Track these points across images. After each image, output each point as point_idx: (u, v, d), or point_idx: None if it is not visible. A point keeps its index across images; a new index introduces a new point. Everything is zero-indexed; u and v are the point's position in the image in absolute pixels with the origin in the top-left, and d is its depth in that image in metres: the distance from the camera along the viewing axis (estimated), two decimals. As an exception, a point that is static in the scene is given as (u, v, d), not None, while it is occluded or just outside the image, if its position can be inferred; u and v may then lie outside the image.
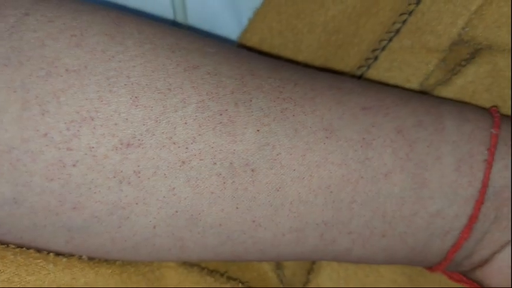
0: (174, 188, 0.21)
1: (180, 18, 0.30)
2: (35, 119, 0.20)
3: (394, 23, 0.26)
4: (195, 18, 0.30)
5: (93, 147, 0.20)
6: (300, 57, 0.28)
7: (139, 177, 0.20)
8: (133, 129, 0.20)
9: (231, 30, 0.29)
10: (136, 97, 0.20)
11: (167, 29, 0.23)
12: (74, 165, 0.20)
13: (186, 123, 0.20)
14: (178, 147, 0.20)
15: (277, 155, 0.21)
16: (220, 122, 0.21)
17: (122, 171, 0.20)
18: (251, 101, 0.21)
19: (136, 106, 0.20)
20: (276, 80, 0.22)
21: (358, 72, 0.27)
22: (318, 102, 0.22)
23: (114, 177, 0.20)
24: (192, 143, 0.20)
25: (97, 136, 0.20)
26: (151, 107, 0.20)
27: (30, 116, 0.20)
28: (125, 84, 0.20)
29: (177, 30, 0.23)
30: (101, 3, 0.29)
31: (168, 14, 0.30)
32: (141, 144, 0.20)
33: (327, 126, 0.21)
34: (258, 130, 0.21)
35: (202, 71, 0.21)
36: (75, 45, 0.20)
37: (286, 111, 0.21)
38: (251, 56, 0.23)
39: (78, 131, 0.20)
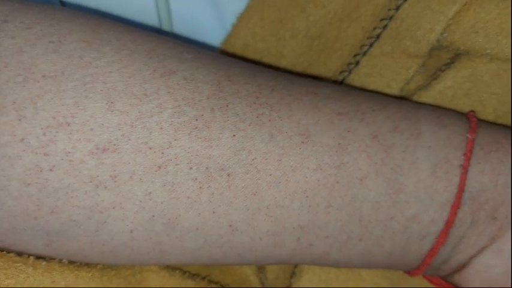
0: (150, 193, 0.21)
1: (165, 24, 0.30)
2: (12, 124, 0.20)
3: (375, 28, 0.26)
4: (179, 24, 0.30)
5: (69, 152, 0.20)
6: (283, 63, 0.28)
7: (115, 181, 0.21)
8: (109, 134, 0.20)
9: (215, 35, 0.29)
10: (112, 102, 0.20)
11: (146, 35, 0.23)
12: (50, 170, 0.20)
13: (161, 128, 0.21)
14: (154, 152, 0.21)
15: (253, 159, 0.21)
16: (196, 127, 0.21)
17: (98, 176, 0.20)
18: (227, 106, 0.21)
19: (112, 111, 0.20)
20: (253, 86, 0.22)
21: (340, 77, 0.27)
22: (294, 107, 0.22)
23: (91, 181, 0.20)
24: (167, 148, 0.21)
25: (73, 141, 0.20)
26: (127, 112, 0.20)
27: (8, 121, 0.20)
28: (101, 90, 0.20)
29: (156, 36, 0.23)
30: (85, 10, 0.29)
31: (153, 20, 0.30)
32: (117, 149, 0.20)
33: (303, 131, 0.22)
34: (233, 135, 0.21)
35: (178, 77, 0.21)
36: (52, 52, 0.21)
37: (262, 116, 0.22)
38: (229, 62, 0.23)
39: (55, 136, 0.20)
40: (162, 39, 0.23)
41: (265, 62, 0.28)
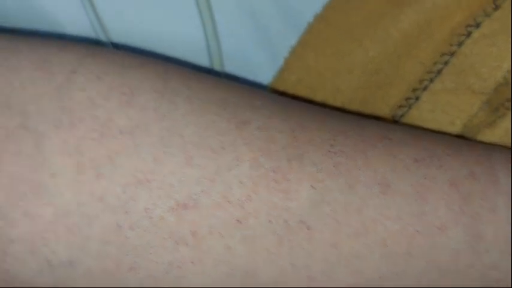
0: (229, 247, 0.20)
1: (216, 63, 0.30)
2: (91, 183, 0.20)
3: (435, 63, 0.26)
4: (230, 61, 0.29)
5: (149, 209, 0.20)
6: (340, 98, 0.27)
7: (195, 237, 0.20)
8: (189, 189, 0.20)
9: (266, 71, 0.29)
10: (190, 157, 0.20)
11: (213, 82, 0.23)
12: (130, 228, 0.20)
13: (240, 181, 0.20)
14: (234, 206, 0.20)
15: (333, 211, 0.21)
16: (274, 179, 0.21)
17: (178, 232, 0.20)
18: (303, 156, 0.21)
19: (191, 166, 0.20)
20: (326, 132, 0.22)
21: (399, 112, 0.27)
22: (369, 155, 0.22)
23: (171, 238, 0.20)
24: (247, 202, 0.20)
25: (153, 198, 0.20)
26: (206, 167, 0.20)
27: (85, 179, 0.20)
28: (179, 144, 0.20)
29: (223, 82, 0.23)
30: (135, 50, 0.29)
31: (204, 59, 0.30)
32: (197, 205, 0.20)
33: (381, 180, 0.21)
34: (312, 186, 0.21)
35: (252, 127, 0.21)
36: (126, 104, 0.20)
37: (339, 165, 0.21)
38: (298, 107, 0.23)
39: (135, 193, 0.20)
40: (229, 85, 0.23)
41: (321, 98, 0.28)
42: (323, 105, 0.28)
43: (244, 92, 0.23)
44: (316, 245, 0.21)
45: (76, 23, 0.28)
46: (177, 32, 0.29)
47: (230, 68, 0.30)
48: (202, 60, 0.30)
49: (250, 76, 0.30)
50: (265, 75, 0.30)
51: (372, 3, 0.27)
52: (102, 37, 0.28)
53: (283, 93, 0.29)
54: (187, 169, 0.20)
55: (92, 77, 0.21)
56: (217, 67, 0.30)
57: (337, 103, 0.28)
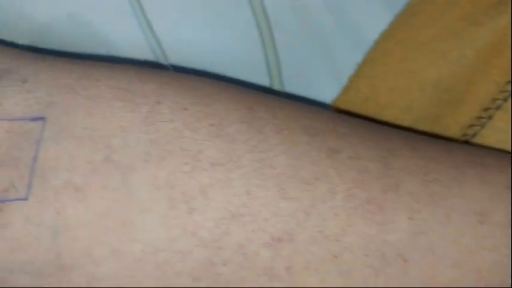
0: (325, 282, 0.20)
1: (276, 83, 0.29)
2: (183, 218, 0.19)
3: (508, 82, 0.26)
4: (290, 80, 0.29)
5: (243, 245, 0.19)
6: (410, 117, 0.27)
7: (289, 273, 0.19)
8: (284, 223, 0.19)
9: (329, 90, 0.28)
10: (283, 189, 0.19)
11: (295, 109, 0.22)
12: (223, 264, 0.19)
13: (336, 214, 0.20)
14: (329, 240, 0.19)
15: (430, 242, 0.20)
16: (369, 211, 0.20)
17: (272, 268, 0.19)
18: (398, 185, 0.20)
19: (285, 199, 0.19)
20: (418, 159, 0.21)
21: (470, 132, 0.26)
22: (463, 182, 0.21)
23: (265, 273, 0.19)
24: (342, 236, 0.20)
25: (247, 233, 0.19)
26: (300, 199, 0.19)
27: (177, 214, 0.19)
28: (271, 176, 0.19)
29: (304, 108, 0.22)
30: (195, 72, 0.28)
31: (264, 79, 0.29)
32: (292, 239, 0.19)
33: (478, 209, 0.21)
34: (409, 218, 0.20)
35: (343, 156, 0.20)
36: (215, 136, 0.20)
37: (435, 194, 0.21)
38: (384, 132, 0.22)
39: (228, 228, 0.19)
40: (311, 111, 0.22)
41: (389, 117, 0.27)
42: (390, 125, 0.28)
43: (327, 117, 0.22)
44: (413, 277, 0.20)
45: (135, 46, 0.27)
46: (236, 52, 0.28)
47: (290, 87, 0.30)
48: (262, 80, 0.29)
49: (311, 95, 0.30)
50: (327, 93, 0.29)
51: (443, 21, 0.26)
52: (162, 59, 0.28)
53: (346, 112, 0.28)
54: (282, 202, 0.19)
55: (178, 107, 0.20)
56: (277, 86, 0.29)
57: (407, 122, 0.27)
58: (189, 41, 0.27)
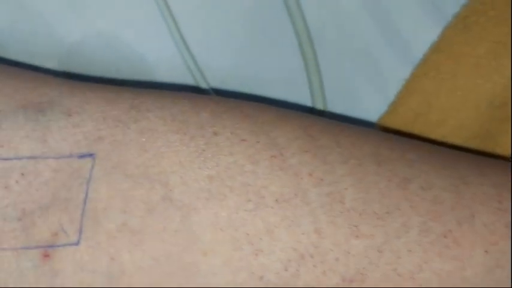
0: (399, 323, 0.19)
1: (318, 102, 0.27)
2: (248, 260, 0.18)
3: None
4: (333, 100, 0.27)
5: None
6: (463, 133, 0.25)
7: None
8: (356, 263, 0.18)
9: (374, 107, 0.27)
10: (355, 226, 0.18)
11: (358, 134, 0.20)
12: (291, 308, 0.18)
13: (410, 250, 0.18)
14: (404, 279, 0.18)
15: (507, 277, 0.19)
16: (446, 246, 0.19)
17: None
18: (473, 216, 0.19)
19: (357, 237, 0.18)
20: (489, 187, 0.20)
21: (526, 149, 0.25)
22: None
23: (334, 317, 0.18)
24: (417, 273, 0.18)
25: (317, 274, 0.18)
26: (373, 236, 0.18)
27: (242, 256, 0.17)
28: (341, 212, 0.18)
29: (366, 132, 0.21)
30: (236, 95, 0.27)
31: (306, 99, 0.27)
32: (364, 280, 0.18)
33: None
34: (486, 251, 0.19)
35: (415, 186, 0.19)
36: (278, 169, 0.18)
37: (509, 225, 0.19)
38: (452, 156, 0.21)
39: (297, 270, 0.18)
40: (374, 136, 0.21)
41: (440, 135, 0.26)
42: (439, 143, 0.27)
43: (392, 143, 0.20)
44: None
45: (174, 71, 0.25)
46: (277, 72, 0.26)
47: (333, 106, 0.28)
48: (304, 100, 0.28)
49: (356, 114, 0.28)
50: (372, 112, 0.28)
51: (497, 34, 0.25)
52: (202, 84, 0.26)
53: (392, 131, 0.27)
54: (353, 240, 0.18)
55: (236, 138, 0.19)
56: (319, 106, 0.28)
57: (459, 140, 0.26)
58: (228, 64, 0.26)
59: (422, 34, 0.26)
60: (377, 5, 0.25)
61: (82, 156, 0.18)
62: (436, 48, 0.26)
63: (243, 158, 0.18)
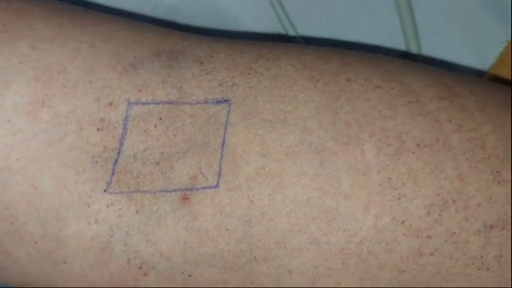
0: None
1: (412, 47, 0.27)
2: (391, 205, 0.17)
3: None
4: (427, 44, 0.27)
5: (454, 233, 0.18)
6: None
7: (499, 262, 0.18)
8: (498, 209, 0.18)
9: (470, 52, 0.26)
10: (497, 172, 0.18)
11: (487, 83, 0.20)
12: (431, 254, 0.18)
13: None
14: None
15: None
16: None
17: (482, 257, 0.18)
18: None
19: (499, 182, 0.18)
20: None
21: None
22: None
23: (473, 263, 0.18)
24: None
25: (459, 220, 0.18)
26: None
27: (385, 201, 0.17)
28: (483, 158, 0.18)
29: (488, 83, 0.20)
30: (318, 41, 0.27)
31: (400, 43, 0.27)
32: (505, 226, 0.18)
33: None
34: None
35: None
36: (417, 114, 0.18)
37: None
38: None
39: (440, 216, 0.17)
40: (497, 86, 0.20)
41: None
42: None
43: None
44: None
45: (263, 20, 0.25)
46: (370, 19, 0.26)
47: (428, 50, 0.28)
48: (397, 44, 0.27)
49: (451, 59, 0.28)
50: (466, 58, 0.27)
51: None
52: (291, 31, 0.26)
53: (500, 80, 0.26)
54: (495, 186, 0.18)
55: (371, 85, 0.18)
56: (414, 50, 0.27)
57: None
58: (319, 9, 0.25)
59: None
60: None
61: (218, 101, 0.18)
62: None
63: (380, 103, 0.18)
